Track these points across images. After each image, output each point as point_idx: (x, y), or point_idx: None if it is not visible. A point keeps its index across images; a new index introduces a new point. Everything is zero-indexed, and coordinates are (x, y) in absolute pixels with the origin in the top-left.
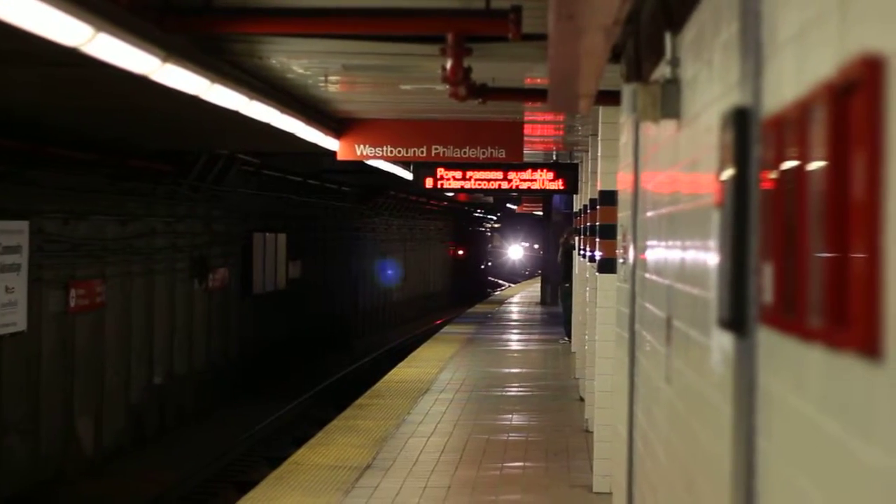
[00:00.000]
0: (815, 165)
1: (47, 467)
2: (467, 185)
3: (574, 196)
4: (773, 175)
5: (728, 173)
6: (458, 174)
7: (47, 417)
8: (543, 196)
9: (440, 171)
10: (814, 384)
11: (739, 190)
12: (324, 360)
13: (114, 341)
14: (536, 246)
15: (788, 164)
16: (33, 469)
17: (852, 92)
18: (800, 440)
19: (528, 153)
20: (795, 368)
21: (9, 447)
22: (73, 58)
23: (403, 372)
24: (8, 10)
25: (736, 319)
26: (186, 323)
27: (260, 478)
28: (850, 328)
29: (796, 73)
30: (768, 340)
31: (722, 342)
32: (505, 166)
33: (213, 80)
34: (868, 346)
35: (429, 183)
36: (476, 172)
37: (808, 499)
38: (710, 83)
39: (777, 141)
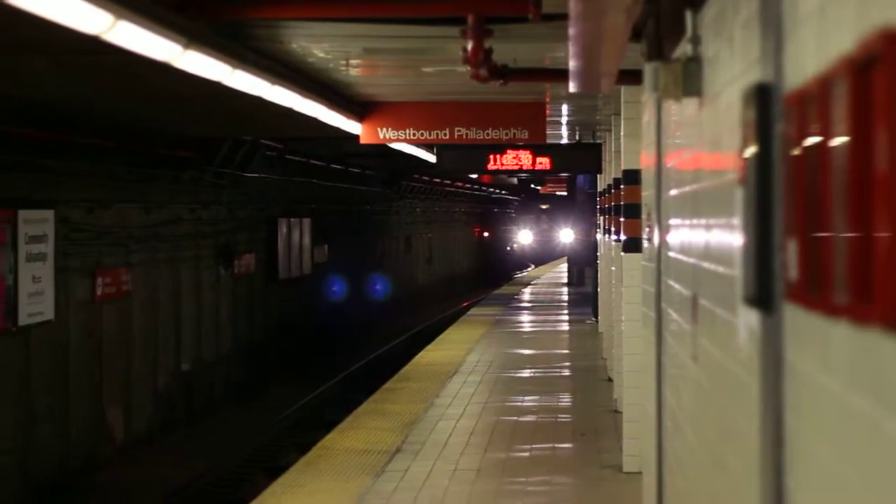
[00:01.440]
0: (837, 141)
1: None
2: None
3: (598, 176)
4: (795, 151)
5: (751, 150)
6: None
7: (77, 405)
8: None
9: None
10: (840, 360)
11: (762, 167)
12: (349, 347)
13: (140, 329)
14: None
15: (810, 140)
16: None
17: (873, 66)
18: (827, 416)
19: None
20: (821, 344)
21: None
22: (94, 46)
23: (431, 355)
24: (29, 0)
25: (762, 296)
26: (213, 309)
27: (290, 463)
28: (875, 303)
29: (817, 48)
30: (794, 317)
31: (748, 319)
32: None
33: (234, 66)
34: (893, 321)
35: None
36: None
37: (836, 474)
38: (732, 60)
39: (799, 117)
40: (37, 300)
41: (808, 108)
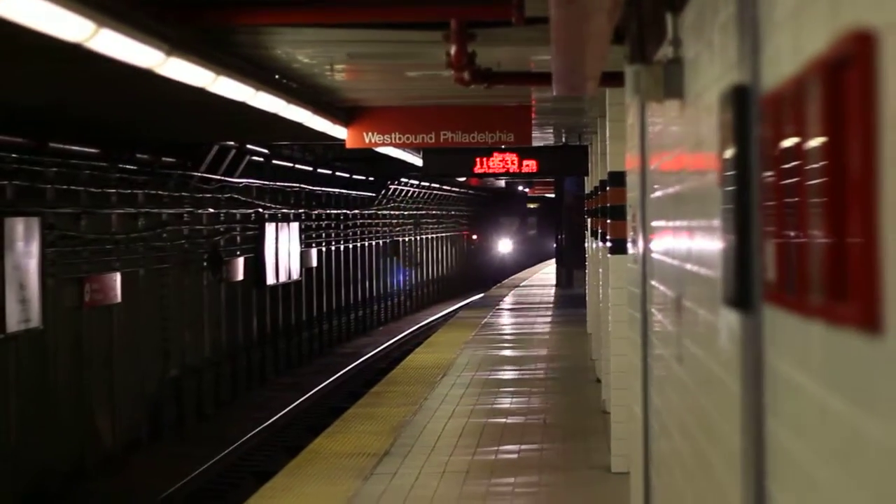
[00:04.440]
0: (812, 142)
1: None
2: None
3: (586, 178)
4: (772, 153)
5: (729, 152)
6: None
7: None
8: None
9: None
10: (817, 361)
11: (740, 168)
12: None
13: (125, 334)
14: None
15: (786, 142)
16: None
17: (845, 67)
18: (806, 418)
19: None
20: (799, 346)
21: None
22: (77, 53)
23: (420, 358)
24: (8, 8)
25: (741, 298)
26: (199, 315)
27: (279, 468)
28: (849, 304)
29: (792, 50)
30: (773, 318)
31: (729, 321)
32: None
33: (218, 73)
34: (867, 321)
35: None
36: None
37: (816, 476)
38: (711, 63)
39: (775, 118)
40: (24, 308)
41: (784, 110)
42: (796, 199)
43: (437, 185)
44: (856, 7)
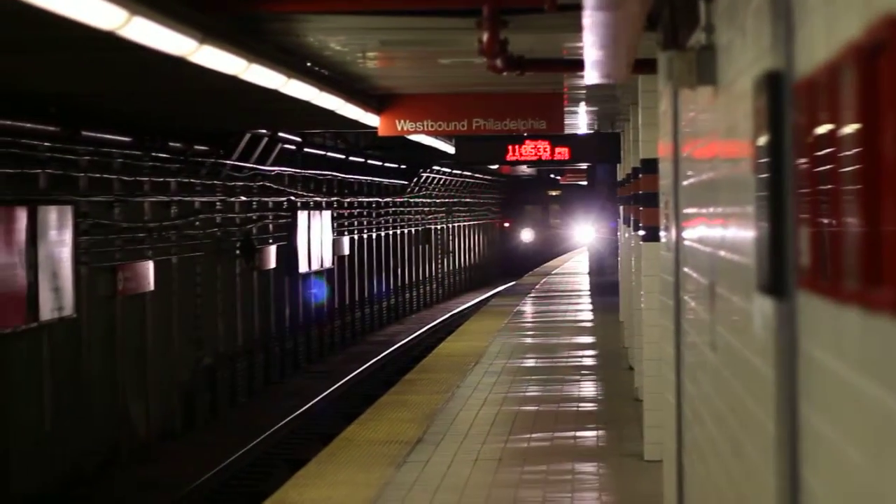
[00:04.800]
0: (845, 128)
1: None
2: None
3: (618, 166)
4: (806, 139)
5: (763, 139)
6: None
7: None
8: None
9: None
10: (852, 347)
11: (774, 155)
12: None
13: (158, 323)
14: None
15: (820, 128)
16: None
17: (879, 52)
18: (840, 403)
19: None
20: (833, 332)
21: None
22: (110, 42)
23: (452, 346)
24: None
25: (775, 284)
26: (232, 303)
27: (312, 455)
28: (884, 289)
29: (826, 35)
30: (807, 304)
31: (763, 307)
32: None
33: (250, 61)
34: None
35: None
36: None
37: (849, 461)
38: (744, 49)
39: (809, 105)
40: (58, 296)
41: (818, 96)
42: (830, 185)
43: (469, 173)
44: None
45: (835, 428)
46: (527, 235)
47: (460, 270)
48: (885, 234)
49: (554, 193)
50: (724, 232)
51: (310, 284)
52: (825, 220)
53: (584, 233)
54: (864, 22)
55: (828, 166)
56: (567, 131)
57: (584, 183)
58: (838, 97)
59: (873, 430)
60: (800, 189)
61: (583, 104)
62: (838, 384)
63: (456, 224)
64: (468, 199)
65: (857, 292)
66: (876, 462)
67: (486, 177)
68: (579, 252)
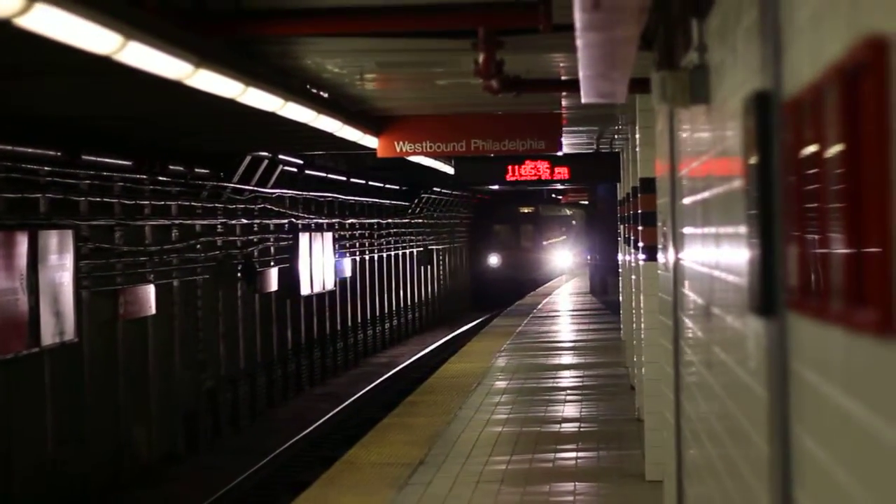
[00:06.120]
0: (829, 148)
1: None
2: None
3: (618, 185)
4: (793, 159)
5: (752, 158)
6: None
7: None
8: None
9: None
10: (838, 367)
11: (763, 175)
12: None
13: (160, 346)
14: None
15: (806, 149)
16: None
17: (860, 74)
18: (829, 424)
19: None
20: (821, 352)
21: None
22: (107, 66)
23: (454, 367)
24: (38, 22)
25: (765, 304)
26: (234, 326)
27: (314, 479)
28: (867, 310)
29: (812, 56)
30: (796, 325)
31: (754, 327)
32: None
33: (247, 84)
34: (885, 327)
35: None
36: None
37: (840, 484)
38: (735, 68)
39: (795, 125)
40: (59, 321)
41: (803, 117)
42: (815, 206)
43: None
44: (872, 13)
45: (825, 449)
46: (493, 260)
47: (464, 289)
48: (865, 254)
49: (526, 211)
50: (719, 251)
51: (339, 262)
52: (810, 241)
53: (564, 257)
54: (847, 44)
55: (812, 187)
56: (566, 151)
57: (561, 197)
58: (822, 118)
59: (860, 452)
60: (788, 209)
61: (582, 124)
62: (827, 405)
63: (457, 243)
64: (468, 217)
65: (841, 313)
66: (864, 485)
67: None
68: (563, 280)
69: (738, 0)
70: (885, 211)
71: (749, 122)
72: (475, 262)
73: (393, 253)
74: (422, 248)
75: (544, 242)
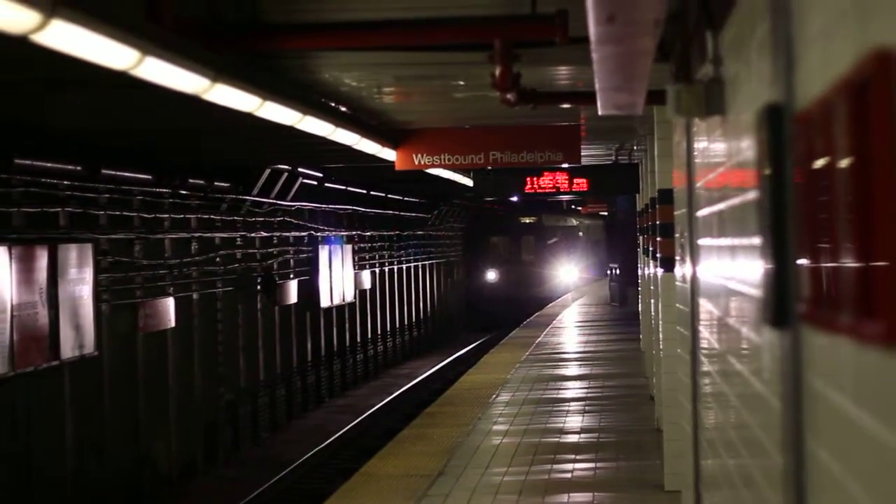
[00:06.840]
0: (838, 161)
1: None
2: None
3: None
4: (804, 172)
5: (765, 171)
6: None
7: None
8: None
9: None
10: (849, 379)
11: (776, 187)
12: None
13: (179, 359)
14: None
15: (816, 162)
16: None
17: (869, 87)
18: (841, 436)
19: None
20: (833, 364)
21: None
22: (123, 81)
23: (472, 378)
24: (55, 38)
25: (778, 316)
26: (253, 338)
27: (334, 490)
28: (876, 322)
29: (822, 69)
30: (809, 337)
31: (768, 339)
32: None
33: (264, 98)
34: (894, 339)
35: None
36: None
37: (854, 496)
38: (749, 81)
39: (807, 138)
40: (78, 334)
41: (814, 130)
42: (826, 218)
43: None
44: (880, 27)
45: (838, 461)
46: (491, 276)
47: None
48: (874, 266)
49: (527, 221)
50: (734, 262)
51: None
52: (823, 252)
53: (570, 272)
54: (855, 57)
55: (822, 199)
56: (585, 163)
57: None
58: (832, 131)
59: (871, 463)
60: (800, 221)
61: (600, 135)
62: (839, 417)
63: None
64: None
65: (851, 325)
66: (877, 497)
67: (507, 208)
68: (568, 300)
69: (752, 13)
70: (893, 224)
71: (762, 135)
72: (470, 278)
73: (413, 265)
74: (443, 260)
75: (548, 255)
